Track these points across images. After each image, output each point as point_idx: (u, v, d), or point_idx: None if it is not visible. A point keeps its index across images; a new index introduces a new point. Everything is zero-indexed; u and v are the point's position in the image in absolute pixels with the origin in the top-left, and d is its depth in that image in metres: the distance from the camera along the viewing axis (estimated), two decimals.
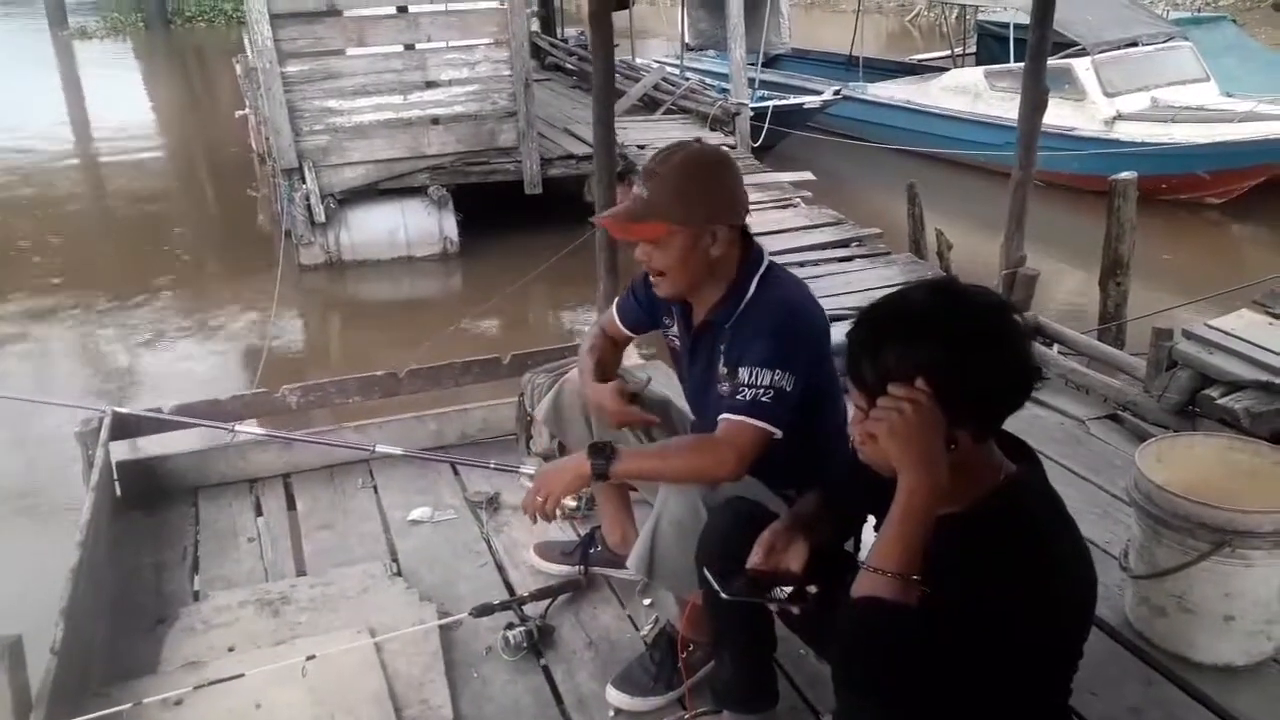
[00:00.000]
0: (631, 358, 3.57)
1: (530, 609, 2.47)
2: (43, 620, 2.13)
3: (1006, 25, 10.88)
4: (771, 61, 13.39)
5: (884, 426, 1.39)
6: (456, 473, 3.21)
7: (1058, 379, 3.73)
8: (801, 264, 6.35)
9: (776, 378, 1.90)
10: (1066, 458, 3.17)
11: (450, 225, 8.14)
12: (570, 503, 2.91)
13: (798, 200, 7.96)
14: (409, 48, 8.06)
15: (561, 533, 2.85)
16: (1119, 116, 9.17)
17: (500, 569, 2.74)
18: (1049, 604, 1.39)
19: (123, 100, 16.46)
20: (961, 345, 1.38)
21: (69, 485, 3.54)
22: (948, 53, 12.98)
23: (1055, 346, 3.94)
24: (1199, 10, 16.36)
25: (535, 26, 14.61)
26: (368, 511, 3.04)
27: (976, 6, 11.85)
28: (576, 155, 8.44)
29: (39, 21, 24.94)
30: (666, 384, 3.01)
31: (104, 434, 2.96)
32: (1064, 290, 7.08)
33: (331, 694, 2.18)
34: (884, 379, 1.40)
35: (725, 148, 9.21)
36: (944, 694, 1.37)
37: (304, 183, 7.66)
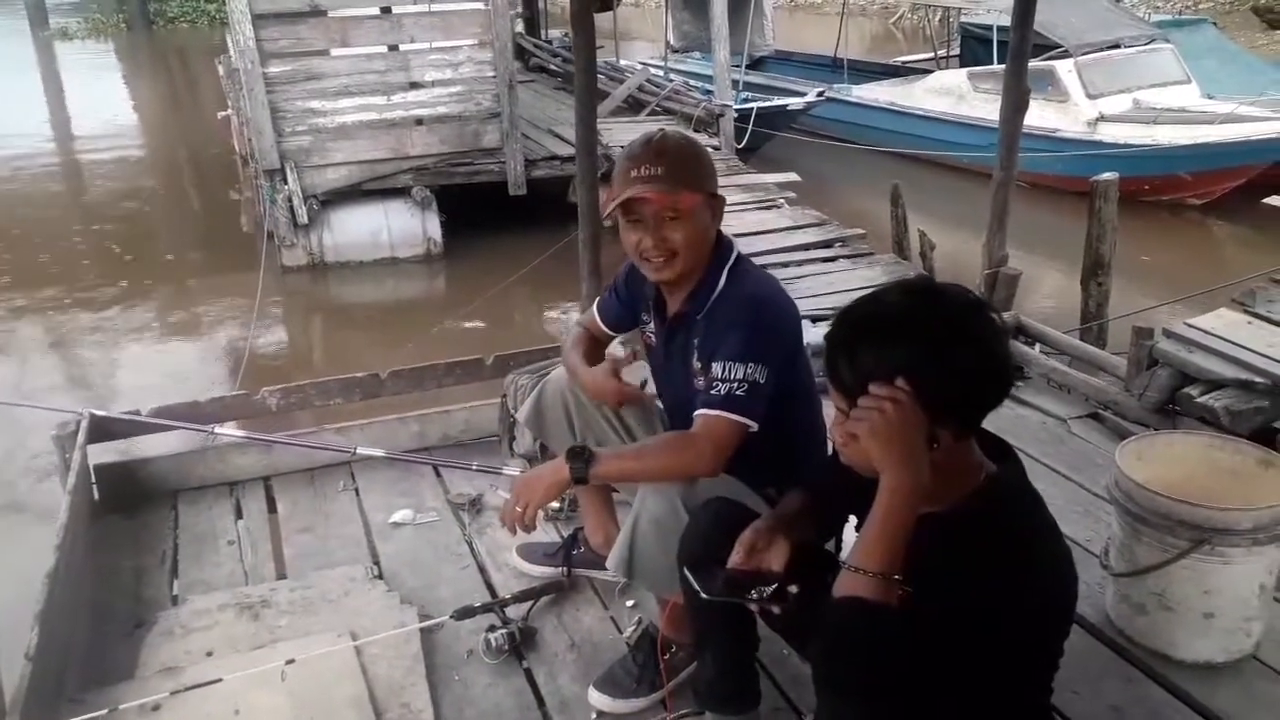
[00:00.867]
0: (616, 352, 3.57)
1: (512, 611, 2.46)
2: (18, 625, 2.11)
3: (989, 27, 10.93)
4: (756, 63, 13.42)
5: (865, 426, 1.39)
6: (439, 475, 3.19)
7: (1039, 378, 3.75)
8: (785, 264, 6.36)
9: (750, 370, 1.91)
10: (1048, 456, 3.18)
11: (434, 226, 8.11)
12: (553, 504, 2.90)
13: (781, 201, 7.98)
14: (392, 48, 8.03)
15: (544, 534, 2.83)
16: (1101, 118, 9.23)
17: (482, 571, 2.73)
18: (1030, 603, 1.39)
19: (105, 101, 16.34)
20: (940, 344, 1.38)
21: (46, 489, 3.51)
22: (931, 55, 13.04)
23: (1037, 346, 3.95)
24: (1180, 13, 16.48)
25: (519, 28, 14.60)
26: (349, 514, 3.02)
27: (959, 9, 11.91)
28: (561, 156, 8.42)
29: (19, 22, 24.75)
30: (650, 382, 3.01)
31: (82, 437, 2.93)
32: (1046, 290, 7.12)
33: (311, 698, 2.17)
34: (863, 380, 1.40)
35: (710, 149, 9.29)
36: (925, 693, 1.37)
37: (286, 184, 7.62)
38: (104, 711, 2.04)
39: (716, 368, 1.93)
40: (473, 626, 2.40)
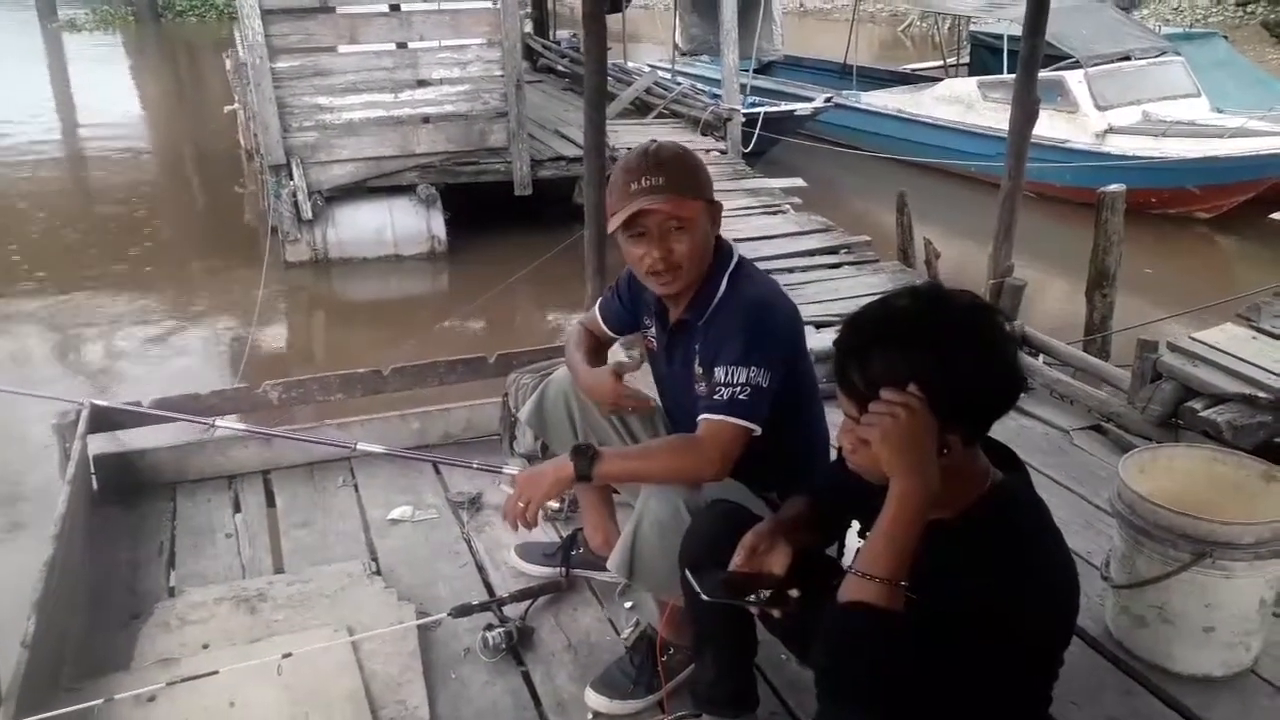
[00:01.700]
0: (618, 355, 3.56)
1: (510, 610, 2.45)
2: (15, 614, 2.11)
3: (1000, 36, 10.93)
4: (765, 68, 13.42)
5: (876, 432, 1.38)
6: (438, 472, 3.19)
7: (1043, 389, 3.74)
8: (790, 270, 6.35)
9: (752, 374, 1.90)
10: (1050, 468, 3.17)
11: (438, 225, 8.11)
12: (553, 505, 2.90)
13: (787, 207, 7.96)
14: (401, 46, 8.04)
15: (544, 534, 2.83)
16: (1110, 129, 9.22)
17: (480, 569, 2.72)
18: (1034, 612, 1.39)
19: (111, 93, 16.36)
20: (950, 349, 1.38)
21: (46, 478, 3.50)
22: (940, 63, 13.04)
23: (1041, 357, 3.95)
24: (1190, 26, 16.47)
25: (528, 28, 14.61)
26: (348, 510, 3.01)
27: (969, 17, 11.90)
28: (567, 157, 8.42)
29: (27, 13, 24.79)
30: (648, 386, 3.01)
31: (82, 426, 2.93)
32: (1052, 301, 7.11)
33: (307, 693, 2.16)
34: (874, 385, 1.39)
35: (717, 153, 9.27)
36: (926, 701, 1.36)
37: (291, 179, 7.62)
38: (99, 701, 2.03)
39: (719, 373, 1.92)
40: (470, 625, 2.40)
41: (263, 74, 7.41)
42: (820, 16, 23.66)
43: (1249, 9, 18.03)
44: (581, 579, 2.61)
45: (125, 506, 2.99)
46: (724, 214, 2.18)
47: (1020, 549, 1.42)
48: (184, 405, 3.17)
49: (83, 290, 7.56)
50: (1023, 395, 3.64)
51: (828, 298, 5.81)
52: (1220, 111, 9.55)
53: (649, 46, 17.95)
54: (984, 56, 11.76)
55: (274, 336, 6.94)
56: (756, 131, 9.96)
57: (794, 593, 1.63)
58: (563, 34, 15.13)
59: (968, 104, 10.33)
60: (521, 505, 1.98)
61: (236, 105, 10.54)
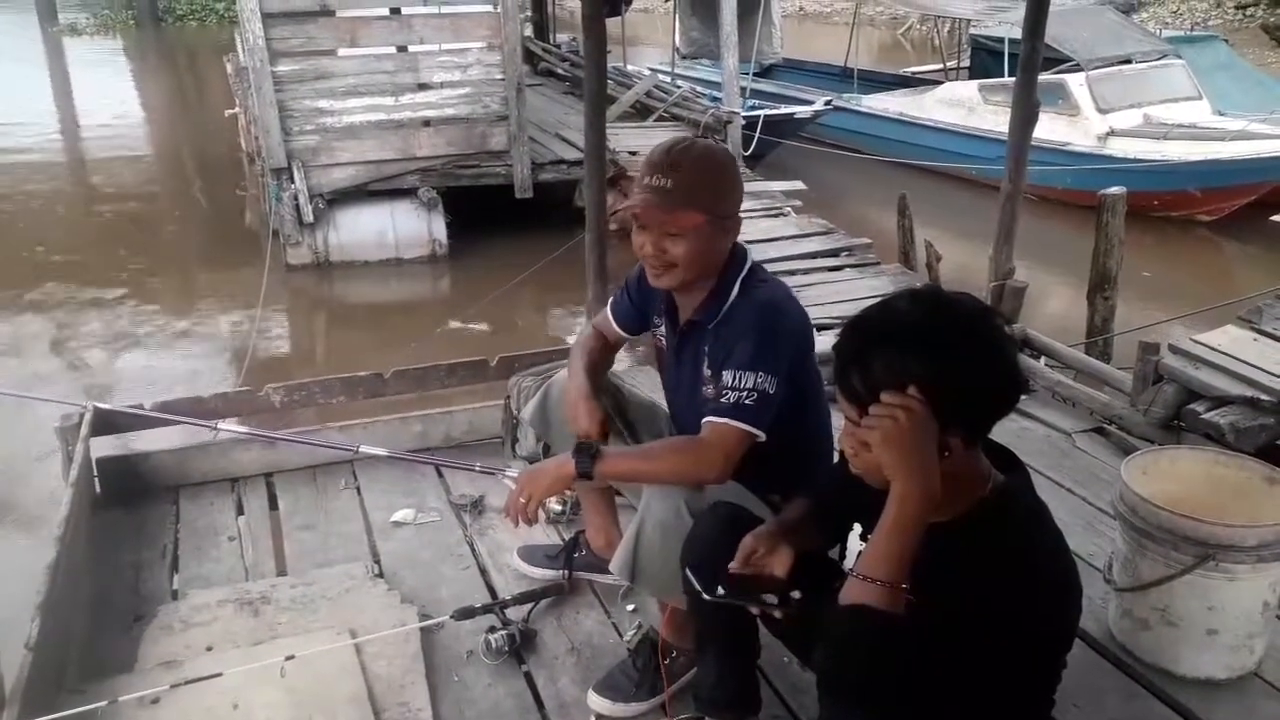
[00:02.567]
0: (623, 362, 3.56)
1: (512, 613, 2.45)
2: (19, 616, 2.11)
3: (1000, 39, 10.95)
4: (766, 71, 13.44)
5: (878, 435, 1.38)
6: (441, 475, 3.19)
7: (1044, 391, 3.74)
8: (791, 273, 6.35)
9: (759, 380, 1.90)
10: (1052, 470, 3.17)
11: (439, 228, 8.12)
12: (555, 506, 2.90)
13: (788, 209, 7.98)
14: (401, 49, 8.06)
15: (545, 536, 2.83)
16: (1112, 132, 9.23)
17: (483, 572, 2.72)
18: (1035, 614, 1.39)
19: (112, 98, 16.37)
20: (950, 351, 1.38)
21: (50, 481, 3.51)
22: (940, 66, 13.06)
23: (1043, 359, 3.94)
24: (1190, 29, 16.49)
25: (528, 32, 14.62)
26: (350, 512, 3.01)
27: (969, 21, 11.92)
28: (567, 160, 8.44)
29: (28, 17, 24.82)
30: (653, 387, 3.01)
31: (84, 429, 2.93)
32: (1054, 303, 7.11)
33: (310, 695, 2.16)
34: (874, 389, 1.39)
35: None
36: (928, 704, 1.36)
37: (293, 182, 7.63)
38: (103, 703, 2.04)
39: (726, 376, 1.92)
40: (472, 627, 2.40)
41: (264, 77, 7.42)
42: (820, 20, 23.69)
43: (1248, 12, 18.05)
44: (584, 581, 2.61)
45: (128, 509, 2.99)
46: None
47: (1020, 552, 1.42)
48: (187, 408, 3.18)
49: (85, 294, 7.57)
50: (1025, 397, 3.69)
51: (829, 300, 5.82)
52: (1221, 114, 9.57)
53: (649, 50, 17.96)
54: (985, 60, 11.79)
55: (276, 339, 6.95)
56: (757, 135, 9.98)
57: (795, 594, 1.63)
58: (563, 37, 15.15)
59: (969, 107, 10.35)
60: (523, 501, 1.98)
61: (237, 109, 10.55)
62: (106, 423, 3.08)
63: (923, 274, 6.43)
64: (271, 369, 5.91)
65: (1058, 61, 9.48)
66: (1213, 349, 3.45)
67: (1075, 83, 9.45)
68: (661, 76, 12.12)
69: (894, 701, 1.36)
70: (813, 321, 2.17)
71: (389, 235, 8.06)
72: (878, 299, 1.52)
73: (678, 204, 1.94)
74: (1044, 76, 8.79)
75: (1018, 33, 4.17)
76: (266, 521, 2.98)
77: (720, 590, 1.66)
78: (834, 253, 7.02)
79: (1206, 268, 8.53)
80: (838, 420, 2.27)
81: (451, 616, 2.40)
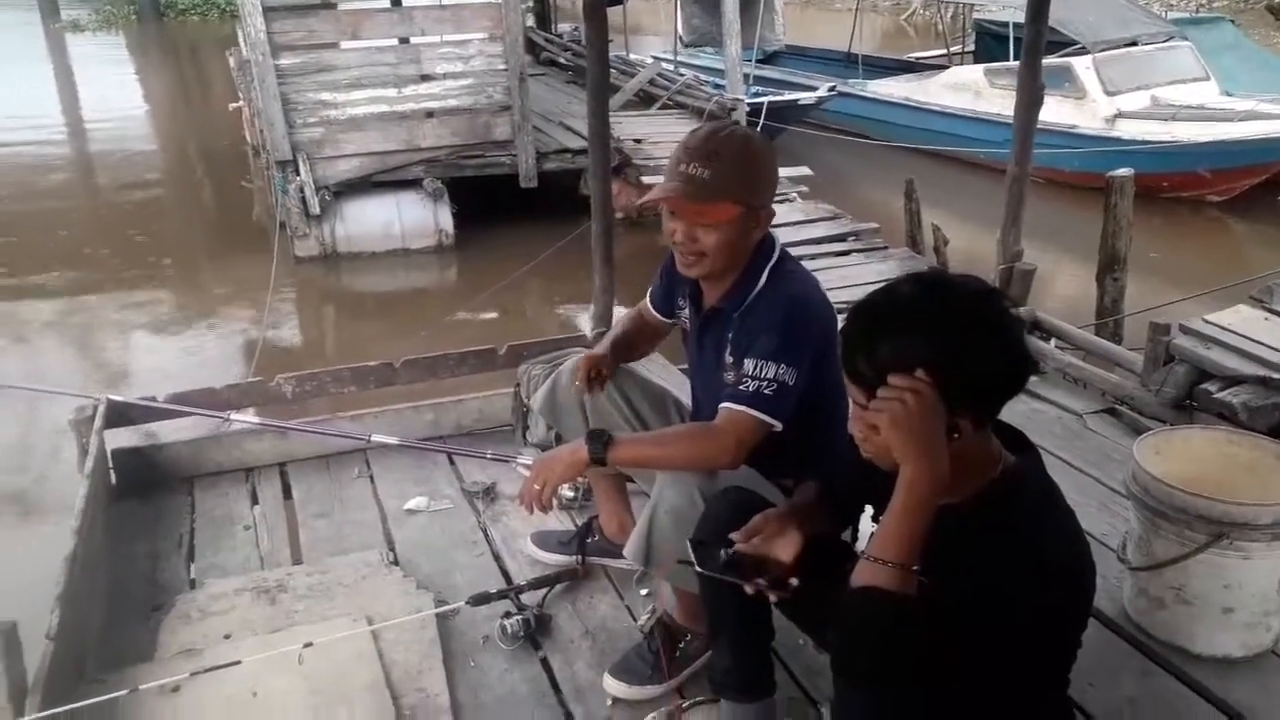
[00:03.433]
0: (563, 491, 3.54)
1: (527, 598, 2.46)
2: (39, 607, 2.12)
3: (1005, 24, 10.89)
4: (770, 58, 13.40)
5: (886, 417, 1.38)
6: (453, 463, 3.20)
7: (1055, 373, 3.74)
8: (799, 258, 6.32)
9: (780, 371, 1.90)
10: (1064, 451, 3.17)
11: (445, 218, 8.12)
12: (568, 493, 2.91)
13: (794, 195, 7.97)
14: (403, 41, 8.05)
15: (559, 522, 2.84)
16: (1119, 114, 9.19)
17: (497, 558, 2.73)
18: (1047, 595, 1.39)
19: (116, 93, 16.37)
20: (956, 333, 1.38)
21: (66, 473, 3.53)
22: (944, 51, 13.00)
23: (1053, 341, 3.94)
24: (1196, 11, 16.39)
25: (530, 21, 14.58)
26: (364, 501, 3.02)
27: (972, 4, 11.86)
28: (572, 149, 8.42)
29: (30, 13, 24.81)
30: (665, 375, 3.02)
31: (99, 422, 2.95)
32: (1064, 285, 7.09)
33: (328, 682, 2.18)
34: (881, 373, 1.39)
35: None
36: (940, 684, 1.36)
37: (298, 175, 7.63)
38: (124, 692, 2.05)
39: (748, 364, 1.92)
40: (488, 613, 2.41)
41: (266, 71, 7.41)
42: (822, 6, 23.55)
43: None
44: (598, 566, 2.62)
45: (144, 500, 3.01)
46: None
47: (1032, 532, 1.42)
48: (199, 400, 3.19)
49: (95, 288, 7.59)
50: (1036, 379, 3.69)
51: (837, 285, 5.78)
52: (1229, 95, 9.51)
53: (652, 38, 17.91)
54: (989, 44, 11.72)
55: (286, 331, 6.96)
56: (761, 121, 9.94)
57: (794, 581, 1.63)
58: (564, 27, 15.11)
59: (975, 91, 10.31)
60: (537, 488, 1.99)
61: (241, 103, 10.55)
62: (120, 415, 3.10)
63: (930, 258, 6.41)
64: (282, 360, 5.92)
65: (1064, 44, 9.43)
66: (1224, 329, 3.45)
67: (1082, 65, 9.40)
68: (664, 65, 12.08)
69: (906, 682, 1.36)
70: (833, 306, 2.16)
71: (395, 226, 8.06)
72: (884, 283, 1.52)
73: (713, 196, 1.92)
74: (1050, 60, 8.81)
75: (1022, 16, 4.15)
76: (281, 510, 2.99)
77: (717, 566, 1.66)
78: (841, 237, 7.01)
79: (1217, 248, 8.49)
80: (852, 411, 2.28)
81: (467, 602, 2.41)
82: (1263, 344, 3.34)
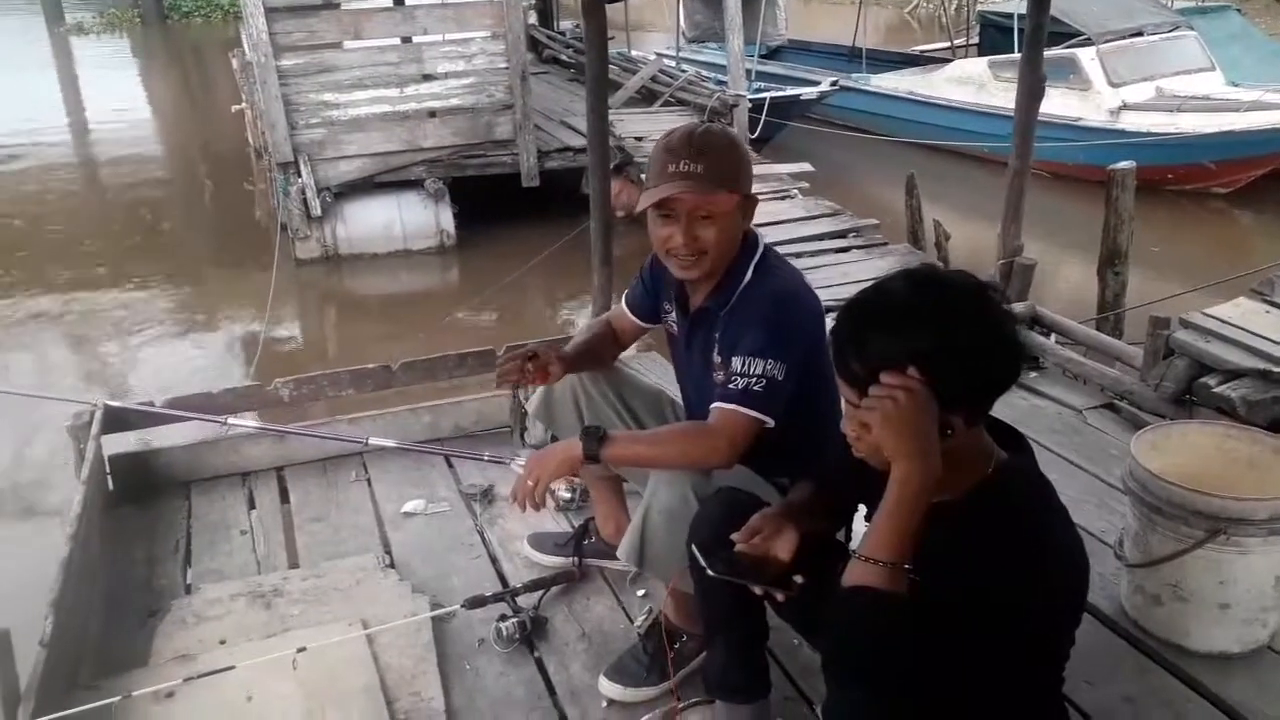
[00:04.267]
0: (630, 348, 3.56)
1: (523, 600, 2.46)
2: (33, 614, 2.13)
3: (1010, 16, 10.84)
4: (774, 53, 13.36)
5: (877, 415, 1.37)
6: (450, 465, 3.20)
7: (1054, 368, 3.72)
8: (799, 255, 6.34)
9: (769, 367, 1.89)
10: (1063, 447, 3.15)
11: (447, 218, 8.12)
12: (565, 494, 2.91)
13: (795, 191, 7.95)
14: (405, 40, 8.04)
15: (555, 524, 2.84)
16: (1124, 106, 9.14)
17: (494, 561, 2.73)
18: (1041, 592, 1.38)
19: (120, 96, 16.41)
20: (948, 329, 1.37)
21: (62, 479, 3.54)
22: (948, 44, 12.95)
23: (1053, 336, 3.92)
24: (1203, 0, 16.30)
25: (532, 19, 14.56)
26: (361, 504, 3.03)
27: None
28: (574, 148, 8.41)
29: (35, 17, 24.88)
30: (662, 374, 3.02)
31: (95, 427, 2.95)
32: (1066, 280, 7.05)
33: (323, 686, 2.18)
34: (873, 371, 1.39)
35: None
36: (933, 682, 1.36)
37: (300, 176, 7.64)
38: (118, 698, 2.05)
39: (736, 362, 1.92)
40: (484, 616, 2.41)
41: (268, 72, 7.42)
42: (825, 0, 23.50)
43: None
44: (594, 568, 2.61)
45: (141, 505, 3.01)
46: None
47: (1024, 529, 1.41)
48: (197, 404, 3.20)
49: (95, 291, 7.61)
50: (1035, 375, 3.67)
51: (837, 282, 5.80)
52: (1235, 85, 9.45)
53: (654, 35, 17.88)
54: (994, 36, 11.66)
55: (286, 333, 6.98)
56: (763, 117, 9.93)
57: (798, 578, 1.63)
58: (566, 24, 15.09)
59: (979, 84, 10.26)
60: (530, 484, 1.98)
61: (244, 104, 10.56)
62: (117, 420, 3.10)
63: (931, 253, 6.39)
64: (282, 362, 5.94)
65: (1069, 36, 9.38)
66: (1224, 322, 3.42)
67: (1086, 57, 9.35)
68: (667, 61, 12.06)
69: (897, 681, 1.36)
70: (822, 303, 2.16)
71: (397, 227, 8.07)
72: (875, 280, 1.51)
73: (714, 187, 1.93)
74: (1055, 51, 8.77)
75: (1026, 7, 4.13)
76: (278, 515, 3.00)
77: (723, 567, 1.66)
78: (841, 234, 6.99)
79: (1221, 240, 8.45)
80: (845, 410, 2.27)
81: (463, 605, 2.41)
82: (1263, 337, 3.32)
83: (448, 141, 8.03)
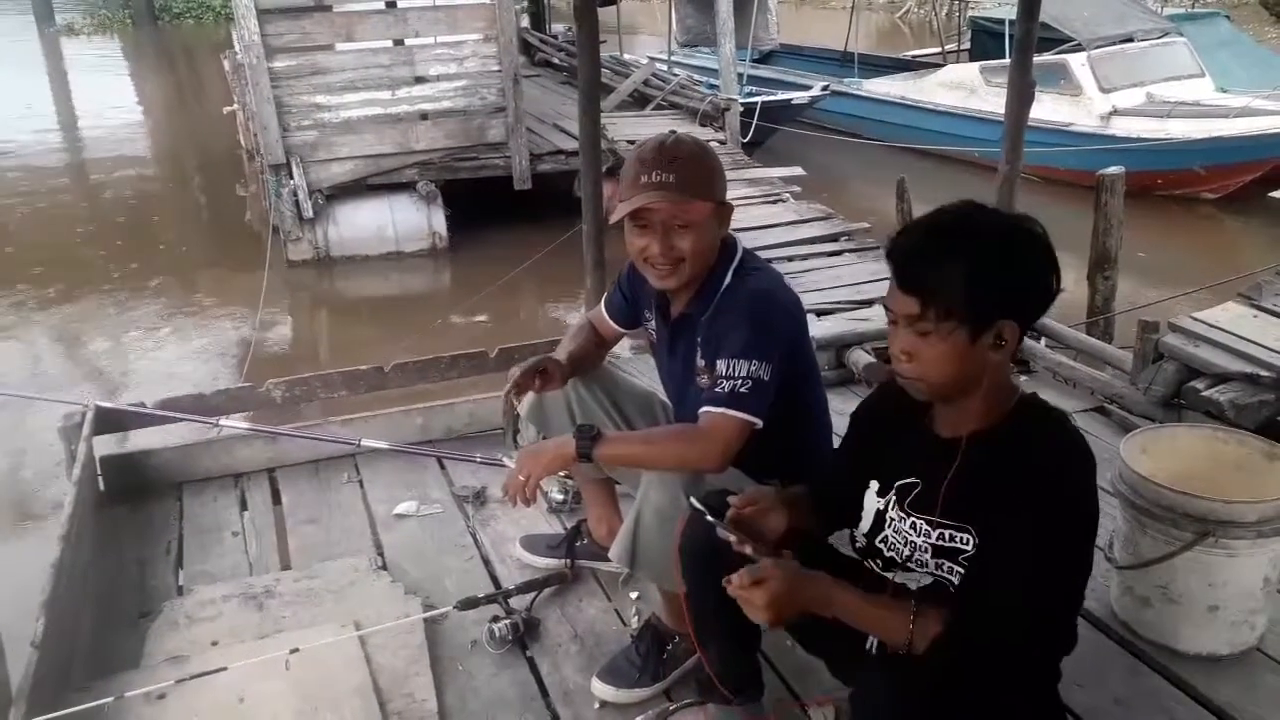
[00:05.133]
0: (624, 348, 3.58)
1: (516, 602, 2.46)
2: (24, 615, 2.12)
3: (1001, 21, 10.89)
4: (766, 57, 13.41)
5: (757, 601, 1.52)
6: (443, 467, 3.20)
7: (1045, 372, 3.74)
8: (790, 258, 6.35)
9: (754, 368, 1.90)
10: None
11: (439, 221, 8.12)
12: (557, 495, 2.91)
13: (786, 195, 7.97)
14: (398, 43, 8.05)
15: (548, 526, 2.84)
16: (1115, 112, 9.19)
17: (486, 562, 2.73)
18: (1091, 481, 1.50)
19: (111, 98, 16.36)
20: (998, 242, 1.48)
21: (53, 480, 3.52)
22: (939, 49, 13.00)
23: (1043, 340, 3.94)
24: (1193, 6, 16.40)
25: (525, 22, 14.59)
26: (353, 506, 3.02)
27: (967, 2, 11.86)
28: (566, 151, 8.42)
29: (25, 17, 24.79)
30: (654, 376, 3.02)
31: (87, 428, 2.94)
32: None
33: (315, 688, 2.17)
34: (934, 288, 1.46)
35: (715, 143, 9.30)
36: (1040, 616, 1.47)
37: (292, 178, 7.63)
38: (109, 700, 2.04)
39: (720, 365, 1.93)
40: (476, 617, 2.41)
41: (260, 74, 7.42)
42: (817, 4, 23.56)
43: None
44: (586, 570, 2.62)
45: (132, 507, 3.00)
46: None
47: (1065, 430, 1.53)
48: (189, 405, 3.19)
49: (87, 293, 7.59)
50: (1025, 379, 3.68)
51: (828, 285, 5.81)
52: (1225, 91, 9.51)
53: (647, 38, 17.90)
54: (985, 41, 11.72)
55: (278, 335, 6.96)
56: (755, 121, 9.95)
57: (787, 553, 1.64)
58: (559, 27, 15.11)
59: (970, 89, 10.31)
60: (521, 479, 1.99)
61: (235, 106, 10.55)
62: (109, 421, 3.09)
63: None
64: (274, 365, 5.92)
65: (1060, 41, 9.44)
66: (1212, 326, 3.45)
67: (1077, 62, 9.41)
68: (659, 65, 12.09)
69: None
70: (812, 307, 2.19)
71: (389, 229, 8.06)
72: (877, 283, 1.56)
73: (687, 194, 1.94)
74: (1046, 57, 8.82)
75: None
76: (270, 516, 2.99)
77: (724, 523, 1.69)
78: (833, 237, 7.01)
79: (1210, 245, 8.49)
80: (834, 404, 2.29)
81: (455, 607, 2.41)
82: (1251, 341, 3.34)
83: (440, 144, 8.03)
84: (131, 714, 2.08)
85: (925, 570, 1.60)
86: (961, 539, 1.54)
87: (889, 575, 1.68)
